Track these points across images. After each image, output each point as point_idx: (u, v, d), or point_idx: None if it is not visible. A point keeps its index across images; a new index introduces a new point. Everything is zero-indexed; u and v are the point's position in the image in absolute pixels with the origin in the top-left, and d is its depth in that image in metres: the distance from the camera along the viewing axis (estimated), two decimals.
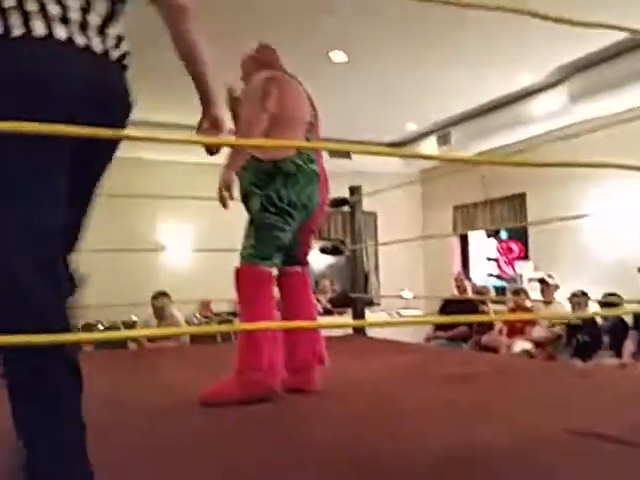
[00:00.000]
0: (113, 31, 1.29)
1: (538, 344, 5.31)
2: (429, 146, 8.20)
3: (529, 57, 5.63)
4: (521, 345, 5.27)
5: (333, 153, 6.90)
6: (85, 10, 1.22)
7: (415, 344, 5.07)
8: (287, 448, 1.66)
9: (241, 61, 2.60)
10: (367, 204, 4.95)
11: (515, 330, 5.49)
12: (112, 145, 1.35)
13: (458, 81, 6.25)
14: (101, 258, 6.39)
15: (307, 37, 5.10)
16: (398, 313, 8.30)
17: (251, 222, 2.30)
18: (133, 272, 7.19)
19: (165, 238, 7.98)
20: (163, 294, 5.52)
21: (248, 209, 2.35)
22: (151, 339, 4.84)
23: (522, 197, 7.94)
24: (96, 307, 5.63)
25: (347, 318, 5.30)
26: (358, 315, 4.69)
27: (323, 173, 2.44)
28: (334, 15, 4.70)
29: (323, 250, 5.01)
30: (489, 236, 8.81)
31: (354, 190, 4.79)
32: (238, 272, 2.28)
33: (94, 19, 1.24)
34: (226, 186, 2.24)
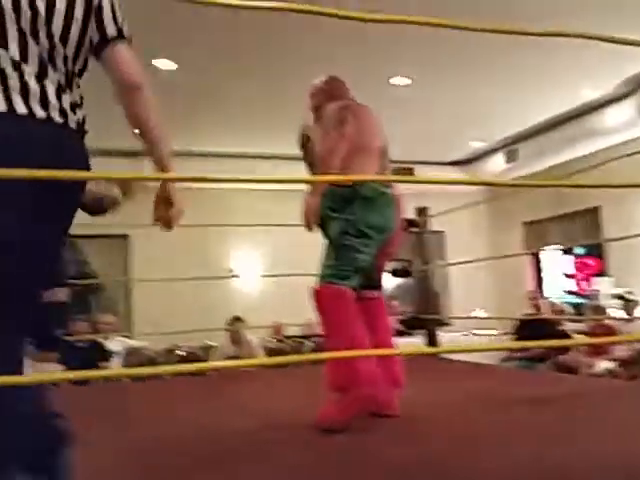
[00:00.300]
0: (69, 99, 1.35)
1: (621, 363, 5.09)
2: (496, 163, 8.10)
3: (593, 72, 5.53)
4: (603, 364, 5.07)
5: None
6: (40, 80, 1.28)
7: (491, 365, 4.97)
8: (374, 470, 1.70)
9: (310, 93, 2.68)
10: (434, 222, 4.94)
11: (596, 349, 5.28)
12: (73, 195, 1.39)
13: (523, 98, 6.19)
14: (180, 286, 6.68)
15: (371, 61, 5.21)
16: (472, 333, 8.13)
17: (330, 245, 2.35)
18: (209, 298, 7.44)
19: (237, 264, 8.22)
20: (238, 319, 5.68)
21: (326, 233, 2.40)
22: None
23: (596, 211, 7.69)
24: (175, 333, 5.87)
25: (418, 339, 5.27)
26: (431, 336, 4.67)
27: (398, 197, 2.47)
28: (398, 41, 4.79)
29: (394, 272, 5.03)
30: (564, 252, 8.55)
31: (421, 211, 4.80)
32: (318, 293, 2.29)
33: (50, 89, 1.30)
34: (312, 212, 2.31)
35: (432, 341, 4.65)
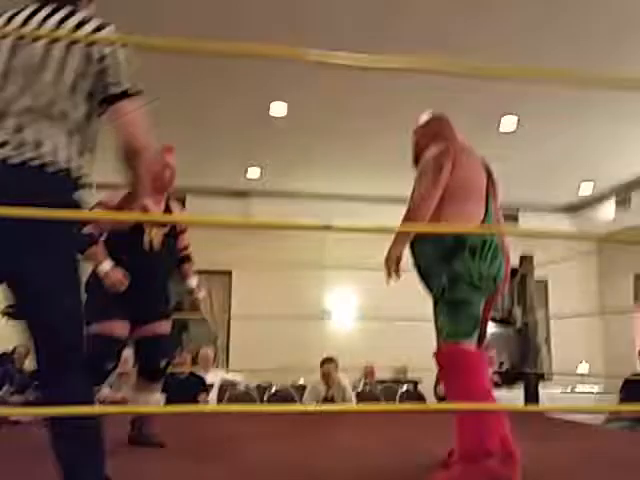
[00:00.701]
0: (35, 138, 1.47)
1: None
2: (607, 209, 7.72)
3: None
4: None
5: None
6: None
7: (596, 426, 4.65)
8: None
9: (413, 134, 2.59)
10: (538, 270, 4.75)
11: None
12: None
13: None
14: (275, 326, 6.82)
15: (481, 101, 5.20)
16: (573, 390, 7.65)
17: (439, 300, 2.23)
18: (304, 338, 7.53)
19: (332, 305, 8.28)
20: (330, 360, 5.69)
21: (429, 286, 2.30)
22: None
23: None
24: (270, 371, 5.97)
25: (516, 394, 5.03)
26: (530, 391, 4.44)
27: (506, 244, 2.33)
28: (506, 80, 4.74)
29: (493, 319, 4.86)
30: None
31: (525, 259, 4.65)
32: (445, 353, 2.19)
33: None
34: (392, 261, 2.23)
35: (532, 396, 4.43)
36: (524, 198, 7.74)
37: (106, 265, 2.62)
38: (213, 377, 5.83)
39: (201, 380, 5.36)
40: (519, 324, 4.79)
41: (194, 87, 5.01)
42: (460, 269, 2.16)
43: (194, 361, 5.85)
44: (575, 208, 8.38)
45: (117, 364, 2.74)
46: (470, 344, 2.18)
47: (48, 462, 1.44)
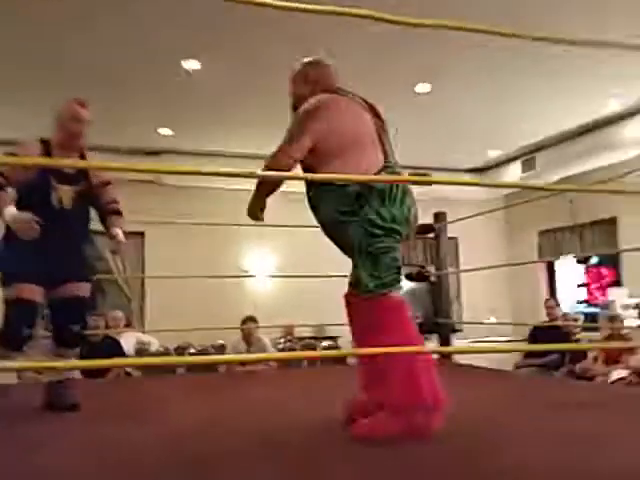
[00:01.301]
0: None
1: (637, 372, 5.05)
2: (513, 172, 8.07)
3: (616, 83, 5.52)
4: (618, 373, 5.03)
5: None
6: None
7: (507, 371, 4.95)
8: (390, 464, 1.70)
9: (290, 78, 2.42)
10: (449, 229, 4.94)
11: (611, 358, 5.25)
12: None
13: (542, 108, 6.20)
14: (193, 284, 6.70)
15: (394, 69, 5.23)
16: (482, 341, 8.10)
17: (357, 251, 2.10)
18: (222, 298, 7.47)
19: (251, 265, 8.25)
20: (251, 319, 5.70)
21: (339, 240, 2.18)
22: (242, 363, 4.99)
23: (613, 221, 7.64)
24: (188, 331, 5.89)
25: (431, 344, 5.26)
26: (444, 341, 4.66)
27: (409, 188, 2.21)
28: (419, 49, 4.81)
29: (408, 276, 5.02)
30: (579, 262, 8.51)
31: (439, 216, 4.80)
32: (371, 304, 2.07)
33: None
34: (255, 217, 2.29)
35: (446, 346, 4.64)
36: (435, 163, 7.97)
37: (12, 208, 2.48)
38: (127, 339, 5.69)
39: (116, 342, 5.22)
40: (433, 279, 4.98)
41: (106, 42, 4.71)
42: (372, 216, 2.06)
43: (107, 325, 5.67)
44: (482, 170, 8.72)
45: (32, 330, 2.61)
46: (398, 293, 2.12)
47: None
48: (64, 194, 2.68)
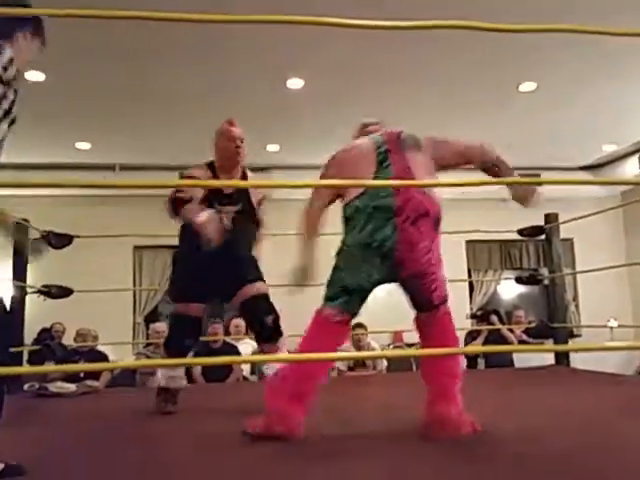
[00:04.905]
0: None
1: None
2: (630, 168, 7.61)
3: None
4: None
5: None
6: None
7: (627, 376, 4.69)
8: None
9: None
10: (563, 230, 4.75)
11: None
12: None
13: None
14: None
15: (497, 69, 5.14)
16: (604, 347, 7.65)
17: None
18: None
19: None
20: (360, 325, 5.78)
21: None
22: (351, 368, 5.09)
23: None
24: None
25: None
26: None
27: (413, 205, 2.14)
28: (522, 46, 4.70)
29: (519, 280, 4.89)
30: None
31: (549, 217, 4.66)
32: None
33: None
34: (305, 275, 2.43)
35: (562, 353, 4.48)
36: (545, 162, 7.68)
37: (204, 212, 2.60)
38: (245, 348, 5.91)
39: (235, 349, 5.47)
40: (546, 282, 4.81)
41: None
42: (343, 238, 2.27)
43: (228, 332, 5.92)
44: (597, 167, 8.28)
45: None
46: (332, 309, 2.22)
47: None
48: (225, 215, 2.80)
